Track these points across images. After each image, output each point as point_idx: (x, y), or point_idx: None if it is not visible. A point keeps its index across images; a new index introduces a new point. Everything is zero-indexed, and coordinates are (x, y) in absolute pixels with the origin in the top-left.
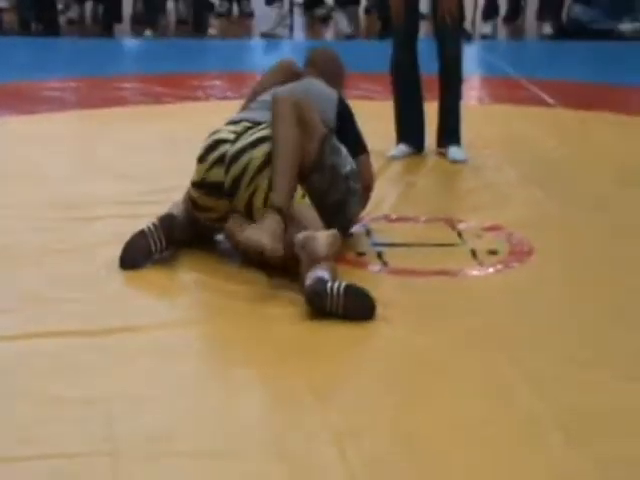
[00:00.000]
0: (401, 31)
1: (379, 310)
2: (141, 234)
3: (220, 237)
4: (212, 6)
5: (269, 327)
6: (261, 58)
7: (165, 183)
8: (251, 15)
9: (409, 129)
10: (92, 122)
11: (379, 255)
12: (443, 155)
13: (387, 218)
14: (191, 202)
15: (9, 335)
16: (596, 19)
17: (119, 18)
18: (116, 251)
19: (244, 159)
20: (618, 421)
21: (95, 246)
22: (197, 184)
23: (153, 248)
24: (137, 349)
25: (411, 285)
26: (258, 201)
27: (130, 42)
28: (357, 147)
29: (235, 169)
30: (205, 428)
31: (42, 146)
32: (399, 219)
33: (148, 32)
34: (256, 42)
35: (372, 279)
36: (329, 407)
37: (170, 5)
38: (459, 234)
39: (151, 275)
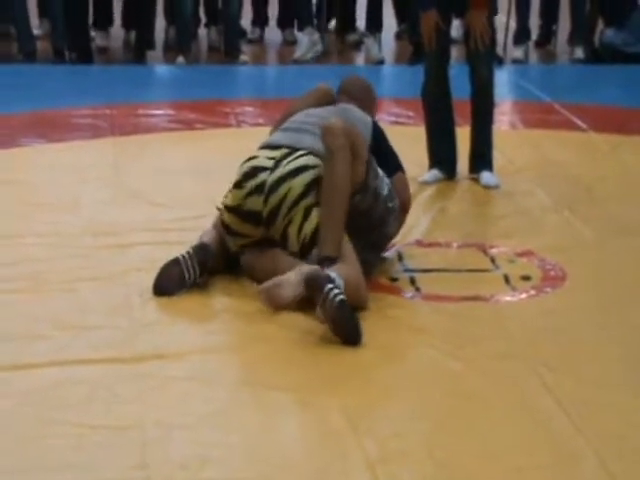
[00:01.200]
0: (432, 58)
1: (412, 335)
2: (175, 262)
3: None
4: (244, 33)
5: (301, 352)
6: (293, 84)
7: (198, 210)
8: (294, 43)
9: (441, 155)
10: (125, 149)
11: (412, 281)
12: (475, 181)
13: (419, 243)
14: (224, 226)
15: (43, 362)
16: (628, 43)
17: (152, 45)
18: (149, 278)
19: (283, 189)
20: None
21: (128, 273)
22: (233, 209)
23: (186, 276)
24: (170, 376)
25: (444, 311)
26: (293, 231)
27: (162, 69)
28: (393, 167)
29: (274, 199)
30: (238, 456)
31: (75, 173)
32: (431, 244)
33: (180, 59)
34: (287, 68)
35: (405, 305)
36: (363, 433)
37: (202, 32)
38: (492, 259)
39: (183, 302)
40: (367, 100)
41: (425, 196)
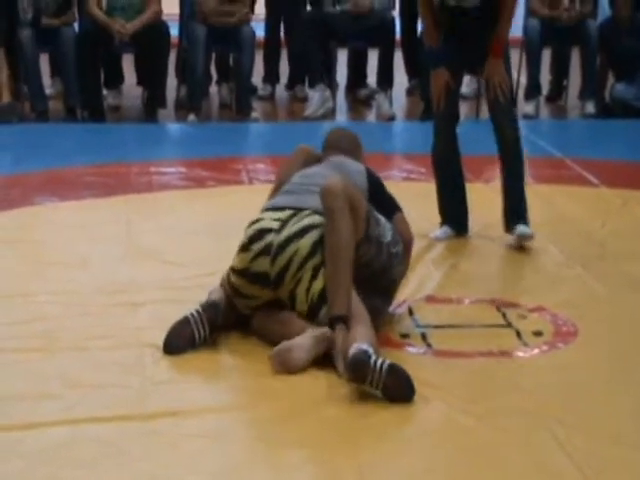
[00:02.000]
0: (441, 117)
1: (424, 391)
2: (185, 321)
3: None
4: (255, 89)
5: (312, 409)
6: (304, 140)
7: (210, 267)
8: (305, 100)
9: (452, 213)
10: (137, 207)
11: (423, 337)
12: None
13: (431, 299)
14: (231, 288)
15: (53, 421)
16: (639, 97)
17: (163, 103)
18: (161, 336)
19: (290, 249)
20: None
21: (140, 331)
22: (240, 272)
23: (197, 335)
24: (182, 434)
25: (456, 366)
26: (301, 291)
27: (174, 127)
28: (391, 208)
29: (281, 260)
30: None
31: (87, 231)
32: (443, 300)
33: (192, 117)
34: (298, 125)
35: (416, 361)
36: None
37: (213, 89)
38: (503, 315)
39: (195, 360)
40: (355, 149)
41: (436, 252)
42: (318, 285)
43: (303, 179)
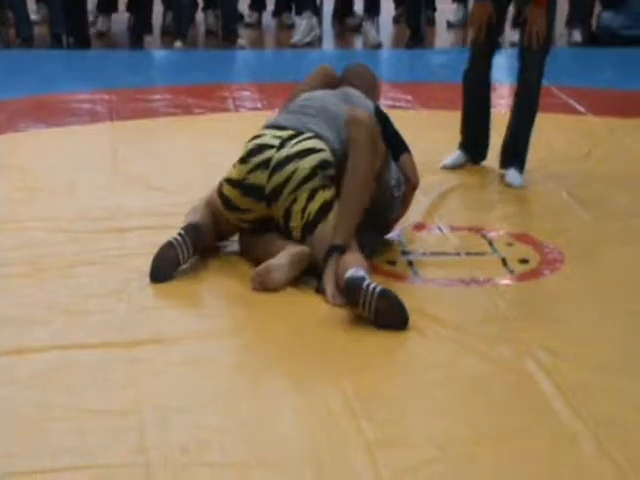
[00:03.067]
0: (478, 48)
1: (411, 320)
2: (168, 245)
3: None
4: (241, 16)
5: (298, 337)
6: (290, 68)
7: (196, 194)
8: (291, 27)
9: (472, 136)
10: (123, 134)
11: (410, 264)
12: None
13: (418, 227)
14: (223, 200)
15: (40, 346)
16: (626, 26)
17: (149, 30)
18: (147, 262)
19: (289, 168)
20: None
21: (127, 257)
22: (236, 183)
23: (181, 258)
24: (168, 361)
25: (442, 294)
26: (297, 209)
27: (160, 53)
28: (399, 148)
29: (279, 177)
30: (237, 439)
31: (73, 158)
32: (430, 228)
33: (178, 43)
34: (285, 52)
35: (403, 289)
36: (361, 416)
37: (199, 16)
38: (490, 243)
39: (180, 286)
40: (370, 86)
41: (426, 181)
42: (315, 205)
43: (306, 101)
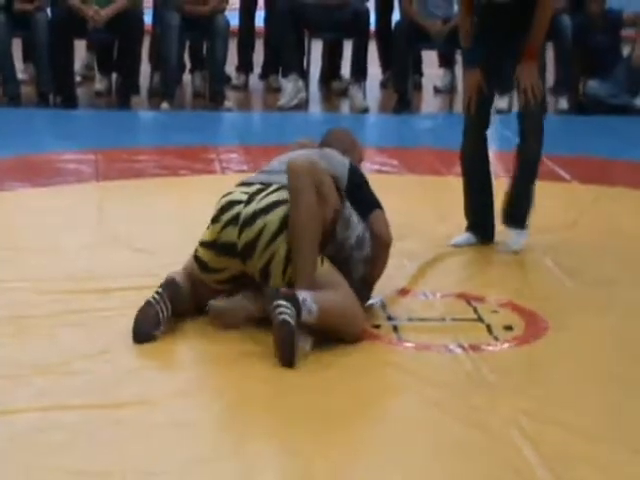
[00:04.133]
0: (470, 118)
1: (394, 383)
2: (148, 305)
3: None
4: (228, 79)
5: (281, 399)
6: (277, 131)
7: (180, 256)
8: (278, 90)
9: (477, 217)
10: (109, 194)
11: (395, 329)
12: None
13: (403, 292)
14: (199, 264)
15: (23, 408)
16: (612, 94)
17: (136, 90)
18: (130, 323)
19: (258, 224)
20: None
21: (110, 318)
22: (209, 244)
23: (161, 316)
24: (151, 423)
25: (426, 359)
26: (277, 271)
27: (147, 114)
28: (370, 205)
29: (249, 233)
30: None
31: (58, 218)
32: (415, 293)
33: (165, 104)
34: (272, 115)
35: (387, 353)
36: None
37: (187, 78)
38: (475, 309)
39: (164, 347)
40: (348, 147)
41: (409, 245)
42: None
43: (280, 158)
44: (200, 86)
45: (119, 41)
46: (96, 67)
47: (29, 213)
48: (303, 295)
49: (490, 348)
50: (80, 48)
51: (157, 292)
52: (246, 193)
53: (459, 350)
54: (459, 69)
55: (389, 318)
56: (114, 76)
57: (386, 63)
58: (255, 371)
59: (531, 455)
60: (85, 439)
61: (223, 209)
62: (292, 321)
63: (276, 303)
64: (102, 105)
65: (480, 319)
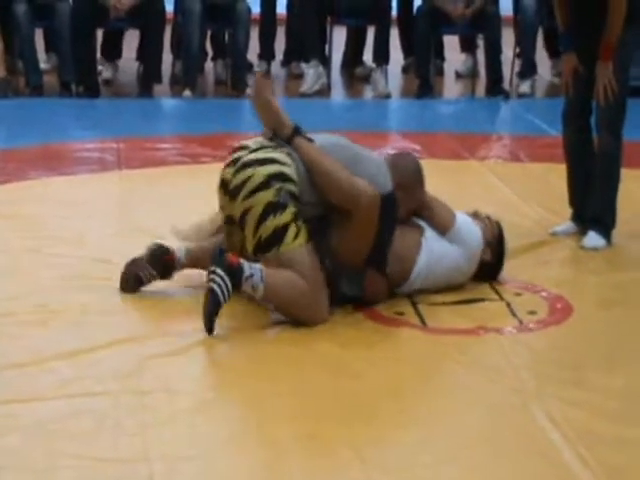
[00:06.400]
0: (569, 103)
1: (419, 368)
2: (131, 263)
3: None
4: (250, 66)
5: (306, 383)
6: (299, 117)
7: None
8: (300, 76)
9: (581, 206)
10: (131, 182)
11: (418, 314)
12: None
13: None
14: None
15: (48, 395)
16: (637, 76)
17: (159, 78)
18: (156, 310)
19: (248, 172)
20: None
21: (134, 306)
22: (220, 184)
23: (142, 276)
24: (176, 409)
25: (450, 344)
26: (250, 225)
27: (169, 102)
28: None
29: (239, 177)
30: None
31: (82, 207)
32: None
33: (187, 92)
34: (294, 101)
35: (411, 338)
36: (372, 465)
37: (208, 66)
38: (498, 293)
39: (187, 334)
40: (409, 183)
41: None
42: (267, 231)
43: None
44: (222, 74)
45: (141, 29)
46: (99, 55)
47: (53, 202)
48: (252, 270)
49: (514, 331)
50: None
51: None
52: (259, 143)
53: (484, 334)
54: (481, 53)
55: (412, 303)
56: (122, 65)
57: (408, 49)
58: (280, 353)
59: (557, 437)
60: (111, 426)
61: (234, 149)
62: (219, 291)
63: (212, 269)
64: (124, 93)
65: (504, 302)
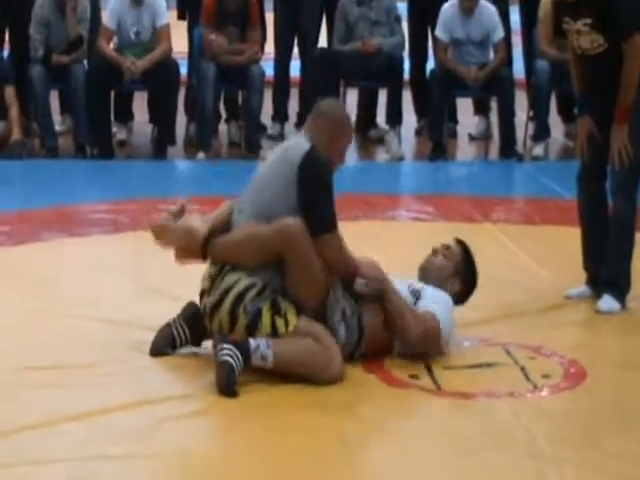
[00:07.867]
0: (585, 168)
1: (432, 431)
2: (166, 326)
3: None
4: (264, 128)
5: (312, 459)
6: None
7: None
8: None
9: (595, 271)
10: (145, 244)
11: (432, 377)
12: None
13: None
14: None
15: (63, 457)
16: None
17: (173, 140)
18: (170, 374)
19: (215, 321)
20: None
21: (149, 368)
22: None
23: (175, 333)
24: (189, 473)
25: (464, 407)
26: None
27: (183, 164)
28: (320, 224)
29: (213, 325)
30: None
31: (96, 268)
32: (452, 342)
33: (201, 154)
34: None
35: (425, 402)
36: None
37: (222, 128)
38: (512, 356)
39: (200, 397)
40: (336, 134)
41: None
42: (262, 334)
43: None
44: (236, 136)
45: (155, 92)
46: (113, 117)
47: (67, 263)
48: (257, 342)
49: (529, 396)
50: None
51: (178, 315)
52: (209, 278)
53: (498, 398)
54: (494, 116)
55: (426, 367)
56: (136, 128)
57: (421, 111)
58: (291, 421)
59: None
60: None
61: (200, 294)
62: (232, 361)
63: (220, 347)
64: (138, 155)
65: (518, 366)
